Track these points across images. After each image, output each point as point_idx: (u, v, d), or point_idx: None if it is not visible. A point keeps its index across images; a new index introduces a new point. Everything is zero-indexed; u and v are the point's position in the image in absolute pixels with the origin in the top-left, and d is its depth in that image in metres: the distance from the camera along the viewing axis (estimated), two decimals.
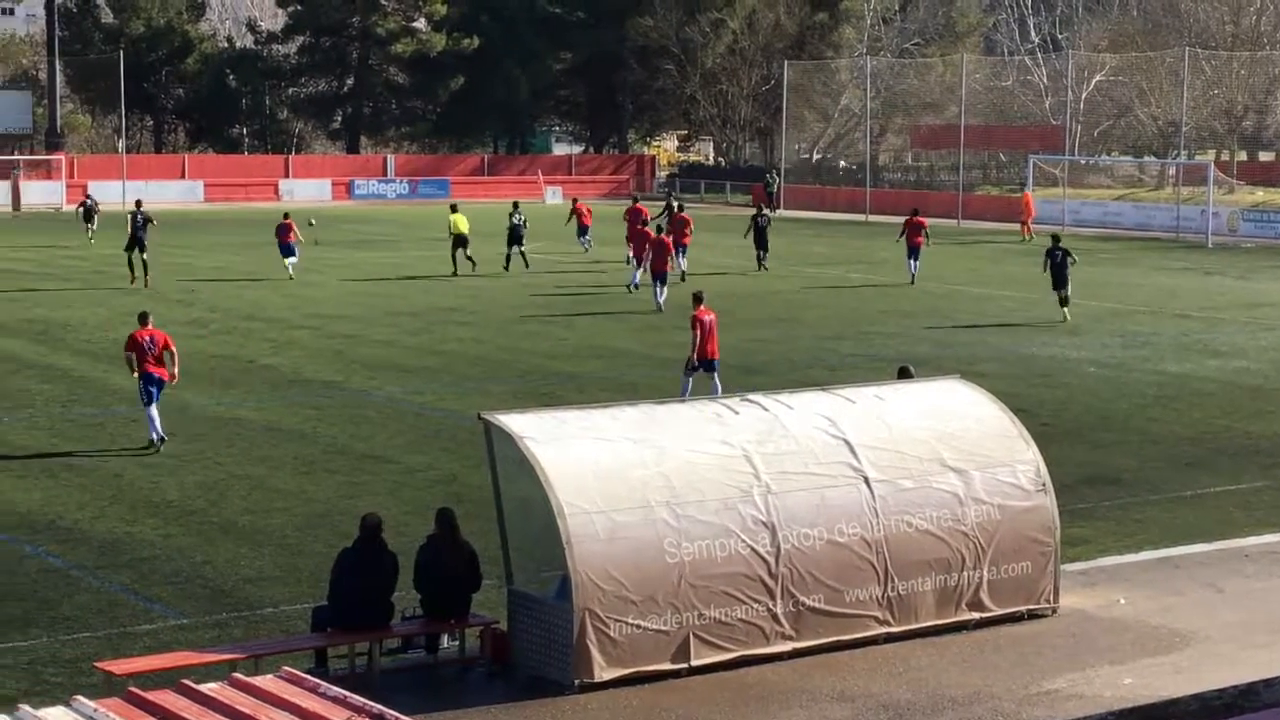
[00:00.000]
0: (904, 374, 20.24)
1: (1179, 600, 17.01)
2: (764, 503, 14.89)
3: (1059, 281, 39.16)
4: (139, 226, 44.96)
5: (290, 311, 39.45)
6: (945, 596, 15.74)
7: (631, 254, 45.28)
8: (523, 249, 50.34)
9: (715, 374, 26.59)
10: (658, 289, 40.28)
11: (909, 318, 39.61)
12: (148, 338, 24.17)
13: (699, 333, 26.25)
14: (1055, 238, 41.52)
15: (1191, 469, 23.50)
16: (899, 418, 16.22)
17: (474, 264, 48.76)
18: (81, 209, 61.02)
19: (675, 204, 55.67)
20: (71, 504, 20.54)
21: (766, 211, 53.41)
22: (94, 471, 22.32)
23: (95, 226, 60.00)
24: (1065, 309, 39.14)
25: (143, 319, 24.75)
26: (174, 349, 24.48)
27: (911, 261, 47.34)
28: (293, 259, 47.59)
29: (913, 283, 46.70)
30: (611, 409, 15.75)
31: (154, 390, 23.99)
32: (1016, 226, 67.24)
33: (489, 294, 43.48)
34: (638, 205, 52.20)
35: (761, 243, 50.68)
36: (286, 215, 50.02)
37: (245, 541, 18.93)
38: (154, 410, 23.93)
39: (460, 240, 48.88)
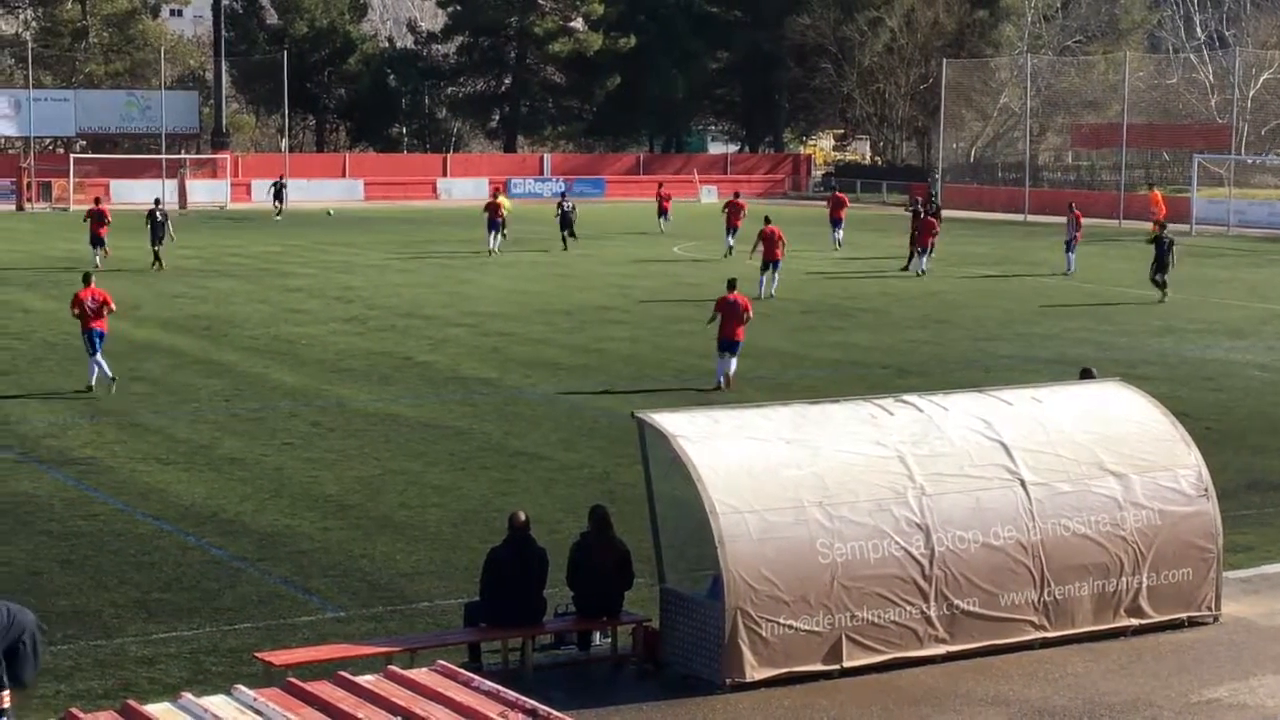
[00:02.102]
0: (1086, 375, 20.02)
1: None
2: (918, 504, 14.79)
3: (1161, 266, 42.73)
4: (159, 224, 49.19)
5: (447, 309, 39.87)
6: (1103, 602, 15.52)
7: (911, 242, 49.61)
8: (573, 232, 56.92)
9: (730, 356, 28.85)
10: (763, 279, 42.12)
11: (1067, 319, 39.08)
12: (89, 296, 27.84)
13: (719, 313, 28.91)
14: (1162, 225, 45.04)
15: None
16: (1056, 420, 16.01)
17: (505, 238, 55.63)
18: (273, 188, 64.48)
19: (930, 200, 57.73)
20: (234, 497, 20.94)
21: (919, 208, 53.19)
22: (256, 465, 22.72)
23: (284, 205, 63.35)
24: (1164, 291, 42.62)
25: (86, 279, 28.57)
26: (113, 306, 28.26)
27: (1073, 255, 49.84)
28: (497, 237, 54.36)
29: (1067, 273, 49.08)
30: (764, 409, 15.72)
31: (96, 341, 27.79)
32: (1184, 227, 66.11)
33: (643, 293, 43.61)
34: (838, 194, 60.99)
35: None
36: (496, 194, 58.80)
37: (401, 536, 19.17)
38: (99, 358, 27.71)
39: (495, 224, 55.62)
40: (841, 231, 58.26)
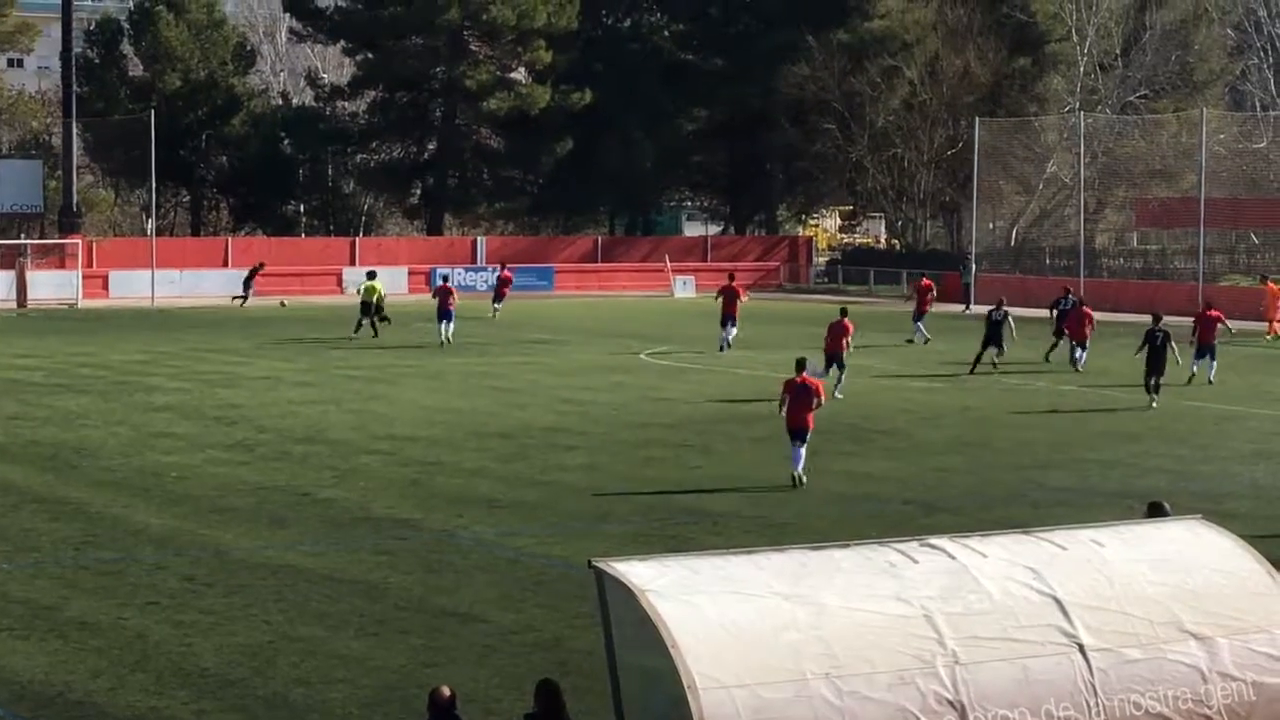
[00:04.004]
0: (1156, 511, 20.01)
1: None
2: (950, 676, 14.75)
3: (1155, 368, 45.08)
4: None
5: (356, 432, 39.82)
6: None
7: (1068, 335, 55.18)
8: (378, 317, 62.46)
9: (799, 444, 32.82)
10: (832, 372, 45.72)
11: (1134, 442, 39.23)
12: None
13: (785, 396, 33.13)
14: (1156, 317, 46.85)
15: None
16: (1123, 569, 16.03)
17: (375, 333, 61.68)
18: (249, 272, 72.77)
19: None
20: (84, 671, 20.77)
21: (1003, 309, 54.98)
22: (112, 631, 22.57)
23: (250, 294, 70.19)
24: (1155, 395, 45.02)
25: None
26: None
27: (1201, 361, 50.96)
28: (450, 325, 59.72)
29: (1210, 382, 50.30)
30: (756, 555, 15.71)
31: None
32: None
33: (601, 411, 43.66)
34: (925, 282, 65.79)
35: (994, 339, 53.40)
36: (446, 278, 67.58)
37: None
38: None
39: (367, 308, 62.32)
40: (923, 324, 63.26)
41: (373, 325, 62.09)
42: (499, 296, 73.13)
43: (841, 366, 46.41)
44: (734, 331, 58.23)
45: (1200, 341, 50.84)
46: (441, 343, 59.15)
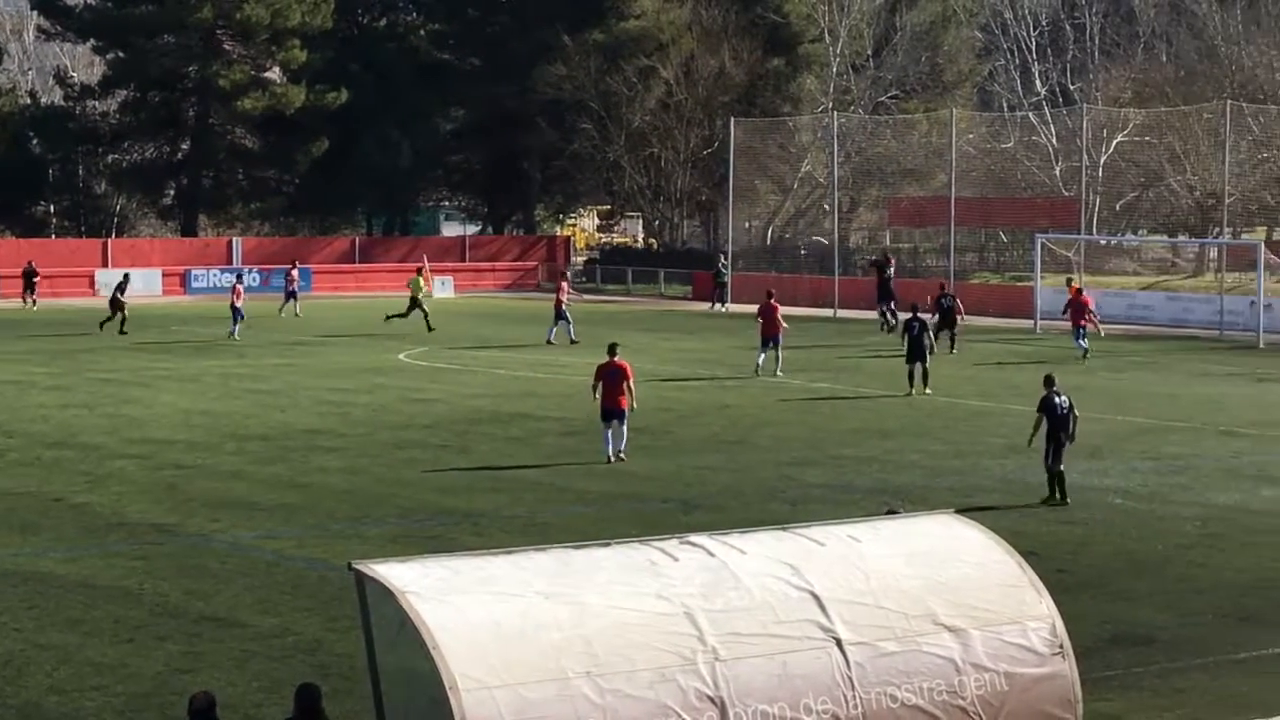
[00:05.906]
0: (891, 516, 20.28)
1: None
2: (710, 673, 14.83)
3: (915, 354, 46.57)
4: None
5: (109, 436, 39.24)
6: None
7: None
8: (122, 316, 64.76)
9: (615, 423, 35.24)
10: (762, 356, 51.00)
11: (889, 438, 39.75)
12: None
13: (598, 381, 35.43)
14: (914, 307, 49.15)
15: (1245, 625, 23.59)
16: (879, 564, 16.21)
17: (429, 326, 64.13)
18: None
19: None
20: None
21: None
22: None
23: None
24: (923, 385, 46.56)
25: None
26: None
27: (1079, 342, 56.88)
28: (237, 325, 61.98)
29: (1084, 358, 55.48)
30: (517, 555, 15.69)
31: None
32: (1026, 324, 68.12)
33: (360, 412, 43.41)
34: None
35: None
36: (240, 277, 72.73)
37: None
38: None
39: (416, 303, 65.20)
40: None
41: (425, 316, 64.37)
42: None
43: (777, 345, 50.44)
44: (566, 323, 61.16)
45: (1074, 324, 56.81)
46: (230, 336, 61.76)
